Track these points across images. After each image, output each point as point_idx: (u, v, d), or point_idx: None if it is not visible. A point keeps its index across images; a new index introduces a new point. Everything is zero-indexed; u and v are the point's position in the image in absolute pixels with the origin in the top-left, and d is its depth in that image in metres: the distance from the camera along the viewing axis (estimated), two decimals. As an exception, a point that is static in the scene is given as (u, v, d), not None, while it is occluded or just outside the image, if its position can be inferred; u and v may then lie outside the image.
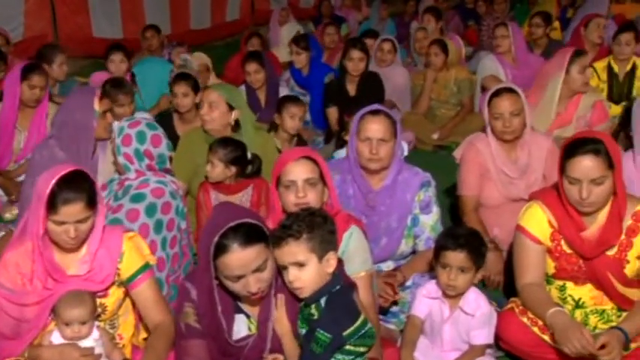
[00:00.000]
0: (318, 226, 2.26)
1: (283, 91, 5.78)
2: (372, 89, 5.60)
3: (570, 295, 2.80)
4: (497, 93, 3.62)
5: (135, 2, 9.61)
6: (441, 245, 2.71)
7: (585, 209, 2.62)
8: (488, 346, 2.74)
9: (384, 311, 3.03)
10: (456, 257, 2.66)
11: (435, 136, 5.91)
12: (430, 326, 2.79)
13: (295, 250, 2.23)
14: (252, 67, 5.47)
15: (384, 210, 3.17)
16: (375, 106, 3.17)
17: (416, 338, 2.78)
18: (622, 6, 9.04)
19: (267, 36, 8.51)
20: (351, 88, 5.62)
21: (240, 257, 2.19)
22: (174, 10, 10.25)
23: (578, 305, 2.79)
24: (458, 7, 10.27)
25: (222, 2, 11.43)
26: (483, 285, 3.46)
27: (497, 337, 2.83)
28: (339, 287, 2.29)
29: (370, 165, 3.10)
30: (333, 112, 5.58)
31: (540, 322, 2.71)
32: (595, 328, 2.76)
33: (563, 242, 2.74)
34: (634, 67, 5.44)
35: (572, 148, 2.60)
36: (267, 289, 2.29)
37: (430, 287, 2.80)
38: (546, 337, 2.70)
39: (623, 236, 2.67)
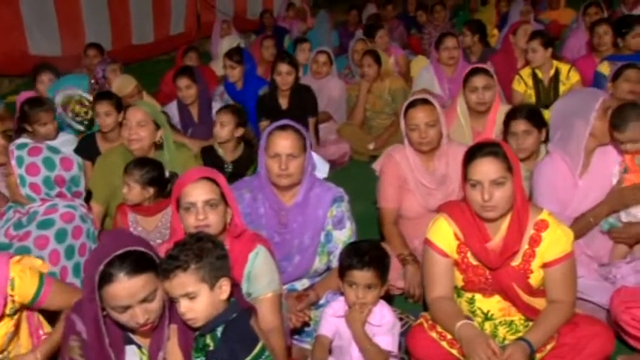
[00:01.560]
0: (207, 252, 2.20)
1: (217, 106, 5.72)
2: (304, 102, 5.58)
3: (479, 308, 2.79)
4: (413, 104, 3.63)
5: (74, 18, 9.39)
6: (347, 264, 2.67)
7: (488, 214, 2.61)
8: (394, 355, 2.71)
9: (298, 331, 2.99)
10: (363, 276, 2.64)
11: (371, 146, 5.92)
12: (339, 345, 2.75)
13: (185, 282, 2.17)
14: (183, 82, 5.40)
15: (296, 227, 3.13)
16: (284, 122, 3.14)
17: (324, 358, 2.74)
18: (557, 12, 9.19)
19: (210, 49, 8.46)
20: (283, 102, 5.59)
21: (126, 287, 2.12)
22: (115, 25, 10.09)
23: (487, 317, 2.78)
24: (400, 16, 10.33)
25: (165, 16, 11.28)
26: (405, 298, 3.45)
27: (408, 353, 2.81)
28: (236, 315, 2.23)
29: (280, 181, 3.06)
30: (265, 126, 5.53)
31: (449, 336, 2.69)
32: (504, 339, 2.75)
33: (469, 254, 2.73)
34: (557, 72, 5.52)
35: (472, 153, 2.63)
36: (158, 320, 2.23)
37: (337, 306, 2.76)
38: (455, 352, 2.69)
39: (526, 246, 2.67)
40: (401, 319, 3.06)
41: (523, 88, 5.63)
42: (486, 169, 2.57)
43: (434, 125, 3.56)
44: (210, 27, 10.04)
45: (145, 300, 2.15)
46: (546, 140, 3.60)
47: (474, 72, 4.31)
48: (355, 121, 6.06)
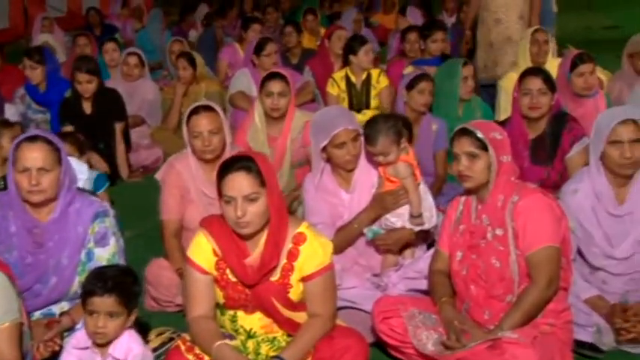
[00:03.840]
0: None
1: (12, 109, 5.32)
2: (110, 106, 5.29)
3: (242, 326, 2.68)
4: (196, 111, 3.49)
5: None
6: (88, 290, 2.47)
7: (243, 230, 2.51)
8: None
9: (49, 360, 2.74)
10: (104, 302, 2.45)
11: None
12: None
13: None
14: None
15: (52, 246, 2.88)
16: (33, 132, 2.89)
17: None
18: (388, 17, 9.42)
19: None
20: (87, 106, 5.25)
21: None
22: None
23: (250, 335, 2.68)
24: (241, 16, 10.16)
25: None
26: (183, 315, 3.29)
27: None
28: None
29: (31, 197, 2.80)
30: (68, 132, 5.18)
31: (207, 358, 2.57)
32: (267, 356, 2.67)
33: (228, 271, 2.62)
34: (369, 76, 5.60)
35: (225, 168, 2.52)
36: None
37: (80, 336, 2.55)
38: (212, 374, 2.56)
39: (285, 260, 2.60)
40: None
41: (337, 91, 5.67)
42: (239, 184, 2.47)
43: (217, 133, 3.44)
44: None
45: None
46: None
47: (271, 77, 4.24)
48: (170, 126, 5.85)
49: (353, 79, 5.63)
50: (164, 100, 5.98)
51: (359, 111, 5.59)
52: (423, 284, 3.02)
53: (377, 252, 3.25)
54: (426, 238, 3.33)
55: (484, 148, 2.63)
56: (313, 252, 2.60)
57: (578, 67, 4.36)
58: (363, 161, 3.26)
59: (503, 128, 3.80)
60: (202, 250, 2.64)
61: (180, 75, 5.82)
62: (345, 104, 5.63)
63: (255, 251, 2.59)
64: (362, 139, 3.24)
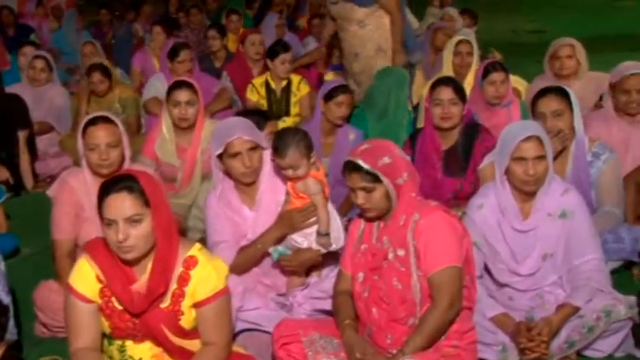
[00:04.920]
0: None
1: None
2: (11, 112, 5.00)
3: (131, 356, 2.51)
4: (93, 122, 3.29)
5: None
6: None
7: (126, 255, 2.34)
8: None
9: None
10: None
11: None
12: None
13: None
14: None
15: None
16: None
17: None
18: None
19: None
20: (-14, 113, 4.95)
21: None
22: None
23: (139, 365, 2.51)
24: (162, 18, 9.88)
25: None
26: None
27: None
28: None
29: None
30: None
31: (90, 392, 2.38)
32: (156, 387, 2.50)
33: (114, 298, 2.44)
34: (289, 83, 5.47)
35: (106, 188, 2.35)
36: None
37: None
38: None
39: (175, 286, 2.43)
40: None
41: (256, 97, 5.52)
42: (120, 206, 2.30)
43: (116, 146, 3.25)
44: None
45: None
46: None
47: (177, 85, 4.06)
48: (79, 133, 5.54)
49: (273, 85, 5.48)
50: (76, 105, 5.68)
51: (278, 118, 5.47)
52: (330, 304, 2.89)
53: (282, 273, 3.10)
54: (335, 260, 3.17)
55: (377, 178, 2.53)
56: (206, 276, 2.45)
57: (489, 75, 4.33)
58: (268, 177, 3.10)
59: (416, 139, 3.85)
60: (85, 276, 2.45)
61: (97, 89, 5.50)
62: (265, 111, 5.51)
63: (143, 277, 2.42)
64: (263, 152, 3.09)
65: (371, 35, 5.17)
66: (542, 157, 2.75)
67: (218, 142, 3.05)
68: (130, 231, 2.31)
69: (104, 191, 2.35)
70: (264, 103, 5.49)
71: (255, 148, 3.04)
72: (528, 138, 2.75)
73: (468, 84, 4.87)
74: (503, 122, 4.04)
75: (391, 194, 2.54)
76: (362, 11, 5.11)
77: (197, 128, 4.09)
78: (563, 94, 3.37)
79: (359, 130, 4.32)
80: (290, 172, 2.98)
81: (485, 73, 4.36)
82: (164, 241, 2.39)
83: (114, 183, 2.36)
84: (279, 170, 3.05)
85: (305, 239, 3.03)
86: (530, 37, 11.56)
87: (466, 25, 8.04)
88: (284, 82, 5.46)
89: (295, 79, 5.54)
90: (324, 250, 3.03)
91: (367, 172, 2.53)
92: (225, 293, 2.49)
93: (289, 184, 3.03)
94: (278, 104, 5.49)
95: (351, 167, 2.57)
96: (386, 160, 2.55)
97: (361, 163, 2.53)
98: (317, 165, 3.09)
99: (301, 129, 3.20)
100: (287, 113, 5.47)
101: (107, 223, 2.33)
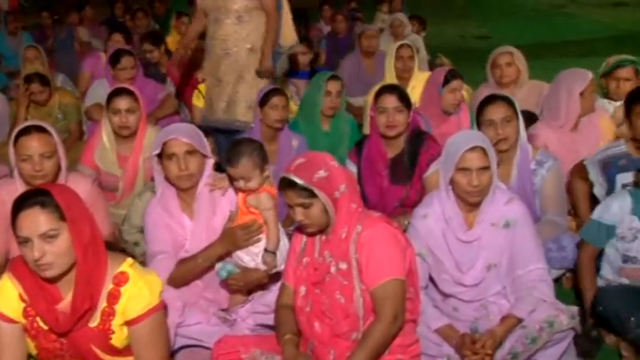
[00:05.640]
0: None
1: None
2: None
3: (62, 378, 2.38)
4: (26, 131, 3.16)
5: None
6: None
7: (45, 273, 2.21)
8: None
9: None
10: None
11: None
12: None
13: None
14: None
15: None
16: None
17: None
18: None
19: None
20: None
21: None
22: None
23: (69, 388, 2.38)
24: (108, 21, 9.64)
25: None
26: None
27: None
28: None
29: None
30: None
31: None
32: (88, 412, 2.38)
33: (38, 318, 2.31)
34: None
35: (17, 205, 2.23)
36: None
37: None
38: None
39: (105, 303, 2.32)
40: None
41: (202, 103, 5.38)
42: (33, 222, 2.18)
43: (50, 156, 3.14)
44: None
45: None
46: None
47: (117, 93, 3.93)
48: (16, 141, 5.32)
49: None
50: (14, 111, 5.44)
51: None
52: (273, 318, 2.81)
53: (225, 289, 2.99)
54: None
55: (313, 193, 2.45)
56: (137, 293, 2.33)
57: (450, 83, 4.32)
58: (207, 187, 3.01)
59: (362, 147, 3.79)
60: (7, 296, 2.33)
61: (37, 99, 5.28)
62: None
63: (69, 295, 2.29)
64: (209, 161, 2.99)
65: (247, 32, 4.73)
66: (486, 168, 2.72)
67: (157, 143, 2.98)
68: (46, 247, 2.18)
69: (16, 208, 2.22)
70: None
71: (193, 152, 2.93)
72: (473, 148, 2.72)
73: (412, 88, 4.85)
74: (453, 130, 4.05)
75: (329, 209, 2.48)
76: (242, 3, 4.67)
77: (139, 136, 3.96)
78: (508, 101, 3.37)
79: (301, 136, 4.24)
80: (242, 184, 2.86)
81: (446, 80, 4.34)
82: (86, 256, 2.26)
83: (25, 199, 2.24)
84: (231, 181, 2.94)
85: (252, 259, 2.91)
86: (478, 43, 11.70)
87: (415, 31, 8.09)
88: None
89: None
90: (272, 271, 2.91)
91: (303, 188, 2.45)
92: (158, 310, 2.38)
93: (240, 197, 2.91)
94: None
95: (286, 184, 2.49)
96: (321, 173, 2.47)
97: (296, 179, 2.46)
98: (271, 180, 2.97)
99: (257, 140, 3.10)
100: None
101: (21, 241, 2.20)
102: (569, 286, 3.44)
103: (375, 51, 6.45)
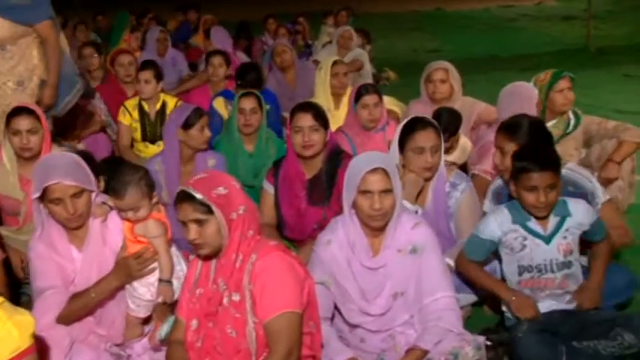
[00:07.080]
0: None
1: None
2: None
3: None
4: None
5: None
6: None
7: None
8: None
9: None
10: None
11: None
12: None
13: None
14: None
15: None
16: None
17: None
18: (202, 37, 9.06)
19: None
20: None
21: None
22: None
23: None
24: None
25: None
26: None
27: None
28: None
29: None
30: None
31: None
32: None
33: None
34: (164, 106, 5.18)
35: None
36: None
37: None
38: None
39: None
40: None
41: (129, 120, 5.22)
42: None
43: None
44: None
45: None
46: None
47: (17, 112, 3.61)
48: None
49: (146, 107, 5.18)
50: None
51: (153, 142, 5.18)
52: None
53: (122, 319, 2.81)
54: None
55: (210, 210, 2.31)
56: (5, 336, 2.13)
57: (362, 98, 4.21)
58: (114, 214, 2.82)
59: (279, 167, 3.63)
60: None
61: None
62: (138, 135, 5.19)
63: None
64: (92, 195, 2.80)
65: (14, 65, 4.20)
66: (388, 191, 2.59)
67: (36, 185, 2.71)
68: None
69: None
70: (137, 127, 5.18)
71: (80, 193, 2.73)
72: (374, 170, 2.59)
73: (345, 105, 4.73)
74: (379, 147, 3.90)
75: (222, 229, 2.33)
76: (8, 31, 4.09)
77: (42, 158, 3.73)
78: (436, 128, 3.23)
79: (220, 154, 4.07)
80: (130, 215, 2.67)
81: (358, 96, 4.23)
82: None
83: None
84: (118, 212, 2.75)
85: (147, 289, 2.73)
86: (429, 57, 11.63)
87: (359, 45, 8.01)
88: (158, 105, 5.18)
89: (171, 101, 5.25)
90: (169, 301, 2.72)
91: (200, 203, 2.32)
92: (30, 353, 2.17)
93: (126, 226, 2.71)
94: (152, 127, 5.19)
95: (182, 197, 2.35)
96: (221, 190, 2.35)
97: (194, 192, 2.32)
98: (159, 206, 2.80)
99: (141, 167, 2.91)
100: (162, 137, 5.15)
101: None
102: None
103: (289, 65, 6.24)
